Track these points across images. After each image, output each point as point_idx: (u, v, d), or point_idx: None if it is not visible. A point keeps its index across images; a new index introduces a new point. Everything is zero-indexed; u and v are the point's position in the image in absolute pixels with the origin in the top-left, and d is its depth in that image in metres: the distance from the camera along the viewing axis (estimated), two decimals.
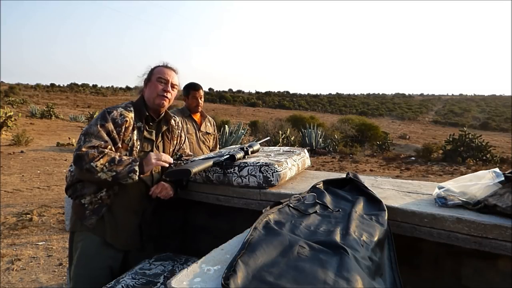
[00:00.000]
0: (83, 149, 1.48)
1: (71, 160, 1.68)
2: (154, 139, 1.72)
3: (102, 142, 1.52)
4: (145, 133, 1.69)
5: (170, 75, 1.71)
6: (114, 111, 1.60)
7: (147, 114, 1.69)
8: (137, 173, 1.52)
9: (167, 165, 1.64)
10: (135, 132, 1.64)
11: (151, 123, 1.73)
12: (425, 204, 1.28)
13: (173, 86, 1.72)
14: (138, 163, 1.53)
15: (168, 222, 1.89)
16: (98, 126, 1.55)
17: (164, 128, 1.77)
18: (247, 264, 0.80)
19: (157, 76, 1.69)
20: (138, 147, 1.64)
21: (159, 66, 1.74)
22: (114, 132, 1.57)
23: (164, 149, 1.77)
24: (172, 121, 1.81)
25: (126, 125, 1.60)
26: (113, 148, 1.55)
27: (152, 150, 1.71)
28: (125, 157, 1.54)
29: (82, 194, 1.60)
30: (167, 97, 1.69)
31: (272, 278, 0.76)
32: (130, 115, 1.63)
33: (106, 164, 1.47)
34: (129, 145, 1.61)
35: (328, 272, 0.79)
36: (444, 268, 1.28)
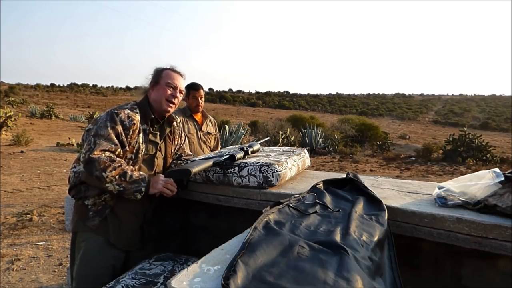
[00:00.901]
0: (95, 153, 1.47)
1: (73, 161, 1.68)
2: (158, 141, 1.72)
3: (113, 146, 1.51)
4: (150, 135, 1.69)
5: (179, 81, 1.71)
6: (121, 113, 1.58)
7: (153, 116, 1.68)
8: (142, 194, 1.52)
9: (170, 194, 1.61)
10: (141, 135, 1.63)
11: (155, 126, 1.72)
12: (425, 204, 1.28)
13: (180, 92, 1.72)
14: (146, 184, 1.53)
15: (168, 222, 1.89)
16: (109, 128, 1.53)
17: (168, 130, 1.78)
18: (247, 264, 0.80)
19: (167, 81, 1.67)
20: (144, 149, 1.64)
21: (167, 69, 1.71)
22: (123, 135, 1.56)
23: (166, 150, 1.78)
24: (174, 122, 1.82)
25: (134, 128, 1.59)
26: (121, 152, 1.55)
27: (156, 153, 1.71)
28: (136, 174, 1.53)
29: (86, 196, 1.60)
30: (174, 103, 1.70)
31: (272, 278, 0.76)
32: (137, 118, 1.62)
33: (117, 177, 1.47)
34: (135, 148, 1.61)
35: (328, 272, 0.79)
36: (444, 268, 1.28)
